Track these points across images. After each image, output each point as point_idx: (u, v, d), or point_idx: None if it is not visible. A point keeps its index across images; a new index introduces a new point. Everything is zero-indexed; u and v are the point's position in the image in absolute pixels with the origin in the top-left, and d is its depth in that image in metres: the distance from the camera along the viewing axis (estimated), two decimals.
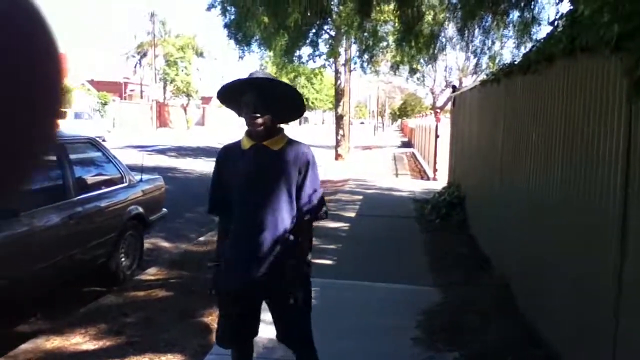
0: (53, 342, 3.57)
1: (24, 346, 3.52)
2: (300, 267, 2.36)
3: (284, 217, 2.32)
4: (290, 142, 2.38)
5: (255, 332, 2.50)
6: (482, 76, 10.82)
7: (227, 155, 2.44)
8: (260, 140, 2.32)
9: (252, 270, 2.31)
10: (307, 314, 2.43)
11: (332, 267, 5.54)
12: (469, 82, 22.31)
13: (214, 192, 2.46)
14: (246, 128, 2.34)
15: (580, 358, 2.95)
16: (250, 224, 2.31)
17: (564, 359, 3.15)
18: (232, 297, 2.38)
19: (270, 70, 24.07)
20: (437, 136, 14.30)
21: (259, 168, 2.32)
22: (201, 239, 6.91)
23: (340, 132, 20.31)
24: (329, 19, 16.07)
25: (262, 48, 20.10)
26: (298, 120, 3.78)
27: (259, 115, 2.24)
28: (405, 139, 39.34)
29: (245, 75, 2.33)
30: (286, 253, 2.34)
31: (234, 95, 2.34)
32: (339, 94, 20.19)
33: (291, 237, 2.35)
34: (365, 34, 16.34)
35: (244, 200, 2.33)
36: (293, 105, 2.43)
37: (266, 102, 2.25)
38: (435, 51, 17.35)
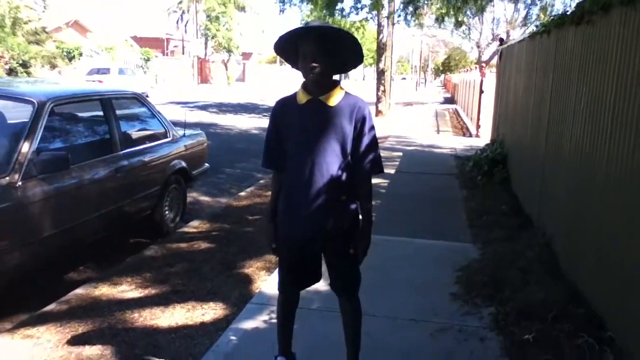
0: (101, 290, 3.75)
1: (75, 292, 3.71)
2: (361, 219, 2.40)
3: (338, 172, 2.31)
4: (347, 97, 2.33)
5: (318, 278, 2.52)
6: (532, 28, 10.35)
7: (282, 110, 2.40)
8: (316, 95, 2.29)
9: (309, 223, 2.33)
10: (358, 264, 2.46)
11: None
12: (517, 35, 21.42)
13: (268, 146, 2.44)
14: (294, 82, 2.30)
15: (622, 321, 2.90)
16: (305, 179, 2.30)
17: (606, 321, 3.10)
18: (293, 248, 2.41)
19: None
20: (481, 91, 13.91)
21: (314, 123, 2.29)
22: (242, 194, 7.03)
23: (381, 87, 19.97)
24: None
25: (303, 1, 19.76)
26: (339, 75, 3.66)
27: (317, 64, 2.19)
28: (448, 95, 38.48)
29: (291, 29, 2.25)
30: (342, 206, 2.35)
31: (291, 45, 2.27)
32: (380, 49, 19.75)
33: (346, 192, 2.35)
34: None
35: (299, 155, 2.32)
36: (353, 53, 2.34)
37: (325, 50, 2.20)
38: (483, 2, 16.63)
